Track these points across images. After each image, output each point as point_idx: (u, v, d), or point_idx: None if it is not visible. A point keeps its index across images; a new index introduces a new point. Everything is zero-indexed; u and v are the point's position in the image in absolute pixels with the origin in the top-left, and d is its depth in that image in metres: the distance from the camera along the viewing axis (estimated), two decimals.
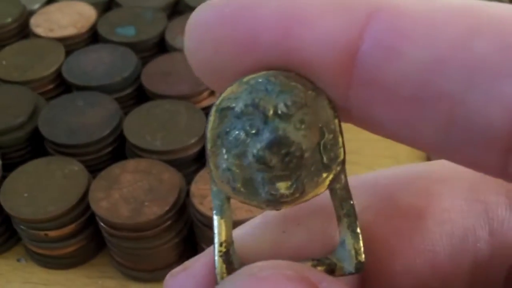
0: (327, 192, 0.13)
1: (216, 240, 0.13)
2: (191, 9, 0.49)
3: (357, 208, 0.13)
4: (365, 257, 0.13)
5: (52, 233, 0.36)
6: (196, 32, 0.13)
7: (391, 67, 0.12)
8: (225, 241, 0.13)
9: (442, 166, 0.15)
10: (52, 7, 0.51)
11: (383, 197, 0.15)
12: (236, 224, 0.13)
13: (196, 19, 0.13)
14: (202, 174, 0.36)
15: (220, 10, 0.12)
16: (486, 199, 0.14)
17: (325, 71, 0.12)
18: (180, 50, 0.46)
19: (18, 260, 0.38)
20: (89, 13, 0.50)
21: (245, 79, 0.13)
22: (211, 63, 0.13)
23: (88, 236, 0.37)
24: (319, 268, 0.13)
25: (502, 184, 0.13)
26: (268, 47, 0.12)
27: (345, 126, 0.13)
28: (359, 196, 0.14)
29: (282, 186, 0.13)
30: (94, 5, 0.51)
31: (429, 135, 0.12)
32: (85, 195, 0.36)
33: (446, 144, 0.12)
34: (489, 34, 0.11)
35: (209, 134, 0.13)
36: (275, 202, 0.13)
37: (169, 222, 0.35)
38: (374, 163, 0.41)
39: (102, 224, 0.35)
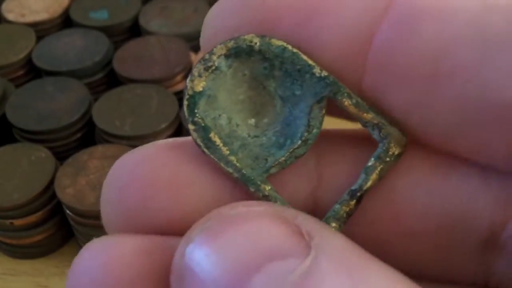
0: None
1: None
2: None
3: None
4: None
5: (18, 222, 0.35)
6: (216, 19, 0.13)
7: (408, 46, 0.12)
8: None
9: None
10: None
11: None
12: None
13: (217, 6, 0.13)
14: None
15: None
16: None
17: (341, 57, 0.12)
18: (154, 33, 0.45)
19: None
20: None
21: None
22: None
23: (56, 224, 0.36)
24: None
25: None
26: (288, 32, 0.13)
27: None
28: None
29: None
30: None
31: (442, 116, 0.12)
32: (51, 182, 0.35)
33: (457, 128, 0.12)
34: (503, 9, 0.11)
35: None
36: None
37: None
38: None
39: (68, 211, 0.34)
